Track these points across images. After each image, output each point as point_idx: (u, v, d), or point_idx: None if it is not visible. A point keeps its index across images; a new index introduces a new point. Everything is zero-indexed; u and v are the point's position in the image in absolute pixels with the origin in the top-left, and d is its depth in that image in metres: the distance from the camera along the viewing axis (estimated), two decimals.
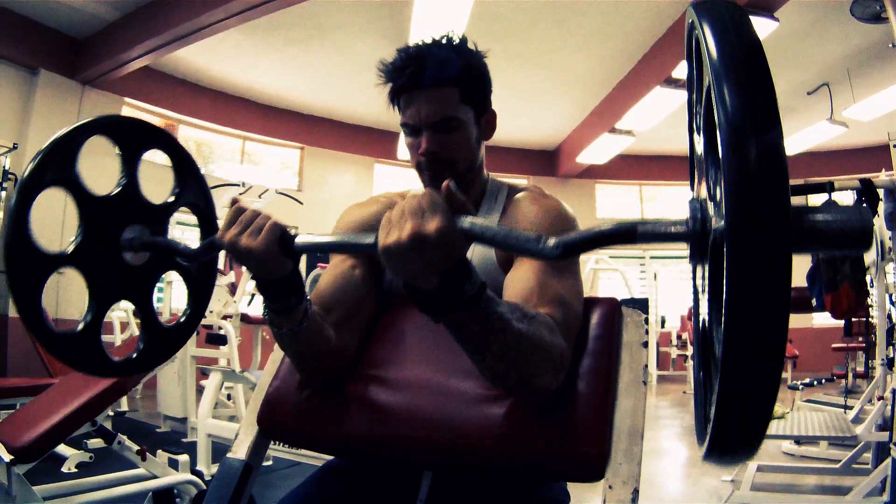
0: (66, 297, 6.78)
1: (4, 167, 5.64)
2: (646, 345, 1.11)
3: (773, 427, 3.13)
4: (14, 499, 2.04)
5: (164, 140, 1.17)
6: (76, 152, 1.02)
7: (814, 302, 2.56)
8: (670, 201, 11.85)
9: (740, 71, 0.54)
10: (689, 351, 8.36)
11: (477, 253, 1.17)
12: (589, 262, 8.10)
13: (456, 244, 0.73)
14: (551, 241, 0.70)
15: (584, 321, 1.12)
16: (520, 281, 1.05)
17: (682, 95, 7.15)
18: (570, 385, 1.03)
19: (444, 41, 1.13)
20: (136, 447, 2.70)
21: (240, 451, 1.26)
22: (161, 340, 1.17)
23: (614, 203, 11.77)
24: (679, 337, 9.77)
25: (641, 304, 1.16)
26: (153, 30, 6.09)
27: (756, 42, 0.56)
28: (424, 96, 1.11)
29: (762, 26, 5.61)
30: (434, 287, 0.77)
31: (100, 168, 1.33)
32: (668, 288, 11.20)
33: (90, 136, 1.04)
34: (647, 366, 1.08)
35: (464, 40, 1.16)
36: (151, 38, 6.12)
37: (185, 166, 1.20)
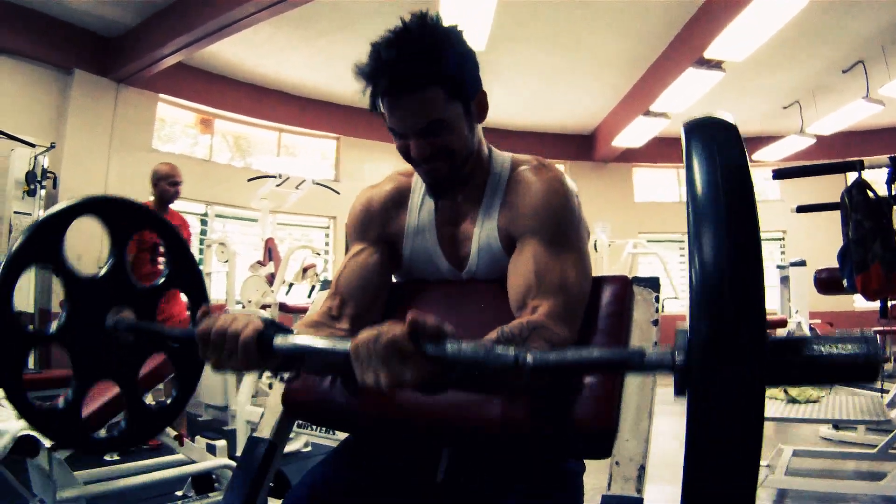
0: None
1: (43, 166, 5.81)
2: (656, 322, 1.10)
3: (808, 411, 3.07)
4: (55, 483, 2.12)
5: (155, 222, 1.17)
6: (62, 233, 1.02)
7: (845, 283, 2.50)
8: None
9: (720, 215, 0.53)
10: None
11: (483, 239, 1.17)
12: (627, 246, 8.02)
13: (435, 378, 0.75)
14: (529, 358, 0.68)
15: (595, 299, 1.12)
16: (520, 270, 1.07)
17: (715, 76, 7.01)
18: None
19: (417, 35, 1.03)
20: (173, 433, 2.78)
21: (265, 431, 1.31)
22: (145, 422, 1.16)
23: (652, 186, 11.60)
24: None
25: (652, 283, 1.16)
26: (183, 27, 6.17)
27: (746, 181, 0.54)
28: (407, 103, 1.03)
29: (794, 2, 5.46)
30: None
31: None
32: None
33: (77, 217, 1.04)
34: (657, 343, 1.08)
35: (438, 23, 1.06)
36: (182, 34, 6.20)
37: (176, 248, 1.19)
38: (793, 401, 3.28)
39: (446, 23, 1.08)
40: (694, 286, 0.51)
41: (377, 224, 1.25)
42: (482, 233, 1.17)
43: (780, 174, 3.11)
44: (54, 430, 1.04)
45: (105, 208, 1.09)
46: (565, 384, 1.02)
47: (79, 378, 1.04)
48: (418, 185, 1.25)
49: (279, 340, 0.87)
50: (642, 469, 0.94)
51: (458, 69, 1.06)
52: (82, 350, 1.04)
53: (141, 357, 1.14)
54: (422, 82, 1.02)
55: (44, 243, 1.01)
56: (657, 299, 1.14)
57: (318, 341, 0.85)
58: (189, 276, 1.20)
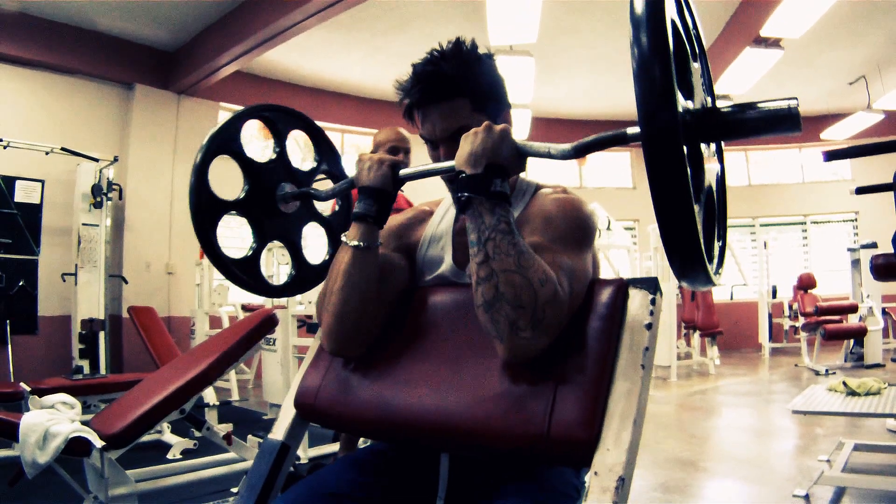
0: (177, 296, 7.26)
1: (109, 178, 6.10)
2: (650, 326, 1.07)
3: (868, 404, 2.93)
4: (107, 481, 2.24)
5: (305, 121, 1.54)
6: (238, 131, 1.38)
7: None
8: (779, 165, 11.23)
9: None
10: (801, 321, 7.93)
11: None
12: None
13: (508, 141, 1.07)
14: (566, 146, 1.03)
15: (588, 301, 1.10)
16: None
17: (774, 55, 6.73)
18: (565, 365, 1.03)
19: (450, 54, 1.17)
20: (222, 432, 2.88)
21: (278, 432, 1.36)
22: (308, 273, 1.51)
23: None
24: (790, 307, 9.29)
25: (649, 284, 1.12)
26: (236, 37, 6.36)
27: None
28: (436, 112, 1.17)
29: None
30: (478, 172, 1.04)
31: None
32: (781, 256, 10.70)
33: (248, 120, 1.41)
34: (647, 348, 1.04)
35: (472, 48, 1.19)
36: (236, 45, 6.39)
37: (322, 143, 1.55)
38: (852, 393, 3.14)
39: (482, 49, 1.23)
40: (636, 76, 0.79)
41: (395, 236, 1.35)
42: None
43: (832, 155, 2.96)
44: (238, 276, 1.37)
45: (264, 112, 1.46)
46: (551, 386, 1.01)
47: (257, 239, 1.40)
48: (443, 206, 1.36)
49: (402, 171, 1.22)
50: (622, 480, 0.91)
51: (484, 86, 1.19)
52: (258, 217, 1.39)
53: (301, 222, 1.49)
54: (449, 93, 1.16)
55: (224, 140, 1.35)
56: (653, 301, 1.10)
57: (427, 168, 1.20)
58: (334, 164, 1.57)
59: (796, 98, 0.86)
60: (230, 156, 1.35)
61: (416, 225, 1.37)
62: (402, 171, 1.21)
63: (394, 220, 1.37)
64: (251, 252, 1.38)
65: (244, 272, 1.37)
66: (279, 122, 1.47)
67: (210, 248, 1.30)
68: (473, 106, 1.17)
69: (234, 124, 1.37)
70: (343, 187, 1.35)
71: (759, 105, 0.88)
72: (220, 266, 1.33)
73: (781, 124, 0.86)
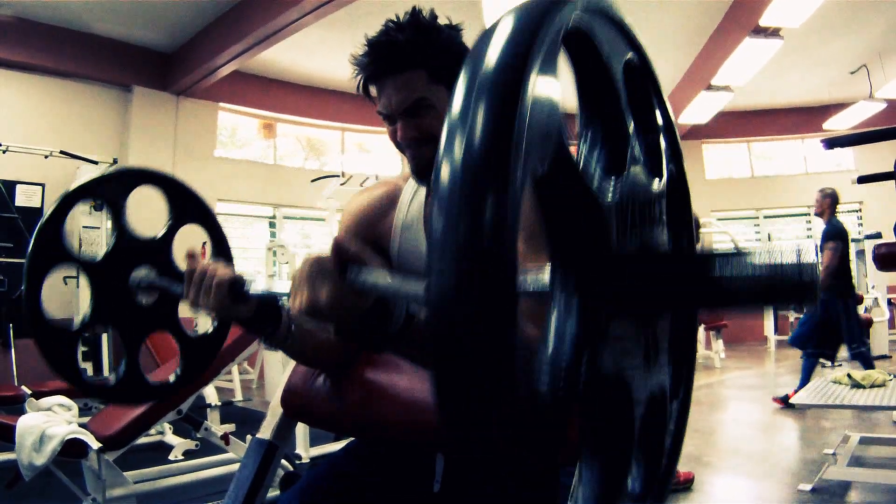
0: None
1: None
2: None
3: (873, 396, 2.90)
4: (104, 482, 2.23)
5: (148, 176, 1.25)
6: (124, 196, 1.19)
7: None
8: (782, 156, 11.17)
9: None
10: None
11: None
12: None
13: (349, 302, 0.77)
14: (419, 289, 0.65)
15: None
16: None
17: (773, 44, 6.69)
18: None
19: (406, 24, 1.11)
20: (220, 433, 2.88)
21: (266, 432, 1.35)
22: (138, 387, 1.20)
23: (724, 162, 11.27)
24: None
25: None
26: (234, 37, 6.34)
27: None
28: (391, 84, 1.10)
29: None
30: (357, 331, 0.81)
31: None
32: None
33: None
34: None
35: (431, 18, 1.13)
36: (232, 45, 6.37)
37: (176, 192, 1.26)
38: (857, 385, 3.11)
39: (445, 21, 1.17)
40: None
41: (366, 224, 1.25)
42: None
43: (831, 143, 2.93)
44: (45, 345, 1.11)
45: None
46: None
47: (90, 314, 1.13)
48: (410, 185, 1.24)
49: (253, 287, 0.96)
50: None
51: (441, 55, 1.10)
52: (103, 291, 1.15)
53: (150, 325, 1.21)
54: (404, 64, 1.09)
55: (103, 190, 1.19)
56: None
57: (274, 292, 0.95)
58: (196, 210, 1.28)
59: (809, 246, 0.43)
60: (110, 212, 1.18)
61: (385, 209, 1.25)
62: (253, 288, 0.97)
63: (358, 205, 1.28)
64: (79, 325, 1.12)
65: (59, 343, 1.12)
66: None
67: (31, 296, 1.11)
68: (430, 77, 1.10)
69: (124, 183, 1.19)
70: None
71: (740, 257, 0.44)
72: (33, 324, 1.10)
73: (783, 295, 0.44)
